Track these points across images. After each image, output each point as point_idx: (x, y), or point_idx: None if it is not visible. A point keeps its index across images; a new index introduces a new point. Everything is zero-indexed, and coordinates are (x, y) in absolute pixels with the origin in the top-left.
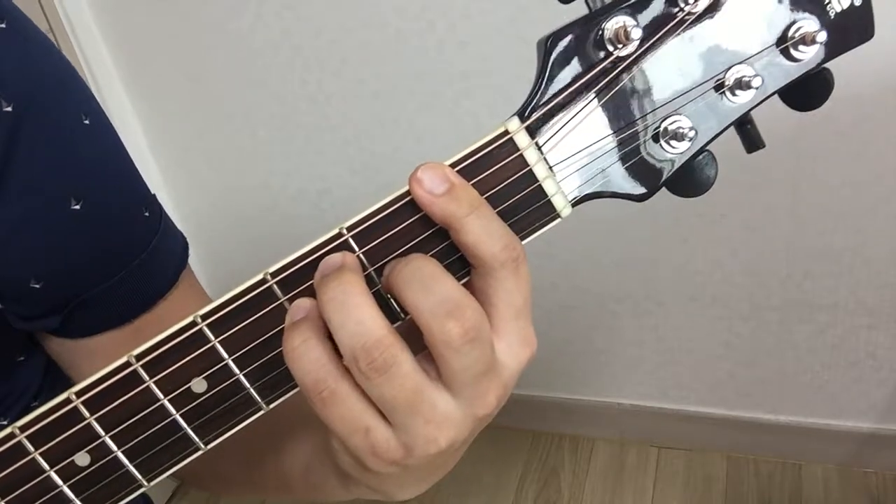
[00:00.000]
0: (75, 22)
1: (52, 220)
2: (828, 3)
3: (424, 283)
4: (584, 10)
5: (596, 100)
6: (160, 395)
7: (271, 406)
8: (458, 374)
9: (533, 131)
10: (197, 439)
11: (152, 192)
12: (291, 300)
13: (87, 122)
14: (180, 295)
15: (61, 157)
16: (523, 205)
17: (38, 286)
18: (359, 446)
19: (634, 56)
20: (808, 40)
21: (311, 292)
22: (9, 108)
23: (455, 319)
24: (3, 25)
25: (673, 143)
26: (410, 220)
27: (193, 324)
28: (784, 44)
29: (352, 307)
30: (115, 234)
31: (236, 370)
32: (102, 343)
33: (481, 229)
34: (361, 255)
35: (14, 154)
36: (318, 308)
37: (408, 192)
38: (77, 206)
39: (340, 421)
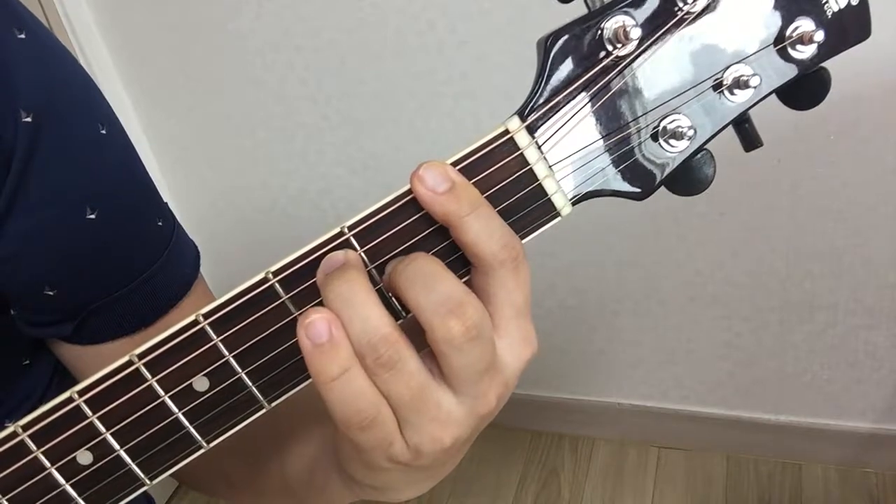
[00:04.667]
0: (75, 22)
1: (67, 228)
2: (825, 3)
3: (426, 281)
4: (584, 10)
5: (595, 99)
6: (162, 394)
7: (273, 405)
8: (460, 373)
9: (533, 130)
10: (199, 438)
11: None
12: (293, 299)
13: (103, 131)
14: (192, 303)
15: (78, 167)
16: (523, 203)
17: (51, 293)
18: (378, 457)
19: (634, 55)
20: (805, 40)
21: (313, 291)
22: (28, 119)
23: (457, 317)
24: (22, 36)
25: (672, 141)
26: (411, 219)
27: (195, 322)
28: (782, 43)
29: (357, 304)
30: (129, 243)
31: (238, 369)
32: (113, 350)
33: (482, 228)
34: (363, 254)
35: (33, 164)
36: (343, 327)
37: (409, 191)
38: (92, 216)
39: (374, 440)
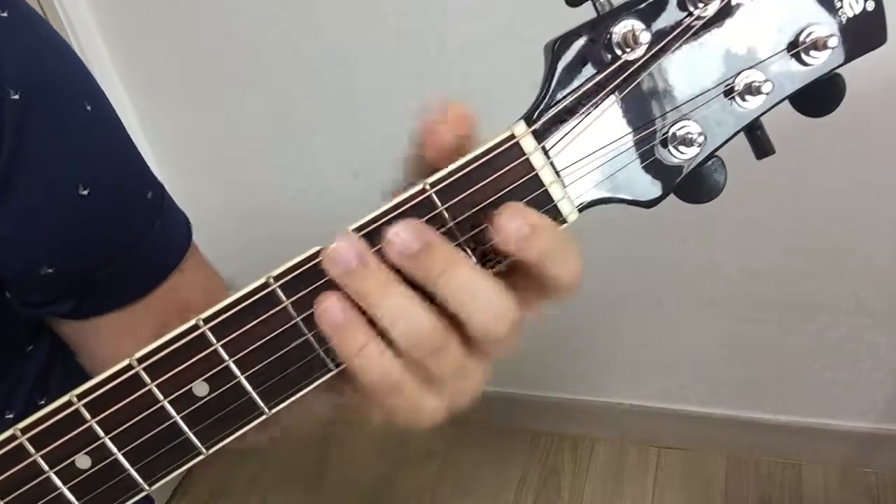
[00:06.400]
0: (75, 22)
1: (62, 205)
2: (840, 8)
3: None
4: (592, 14)
5: (603, 105)
6: (161, 398)
7: (273, 410)
8: (490, 346)
9: (539, 135)
10: (198, 443)
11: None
12: (294, 304)
13: (89, 108)
14: (187, 270)
15: (68, 145)
16: None
17: (50, 271)
18: (411, 420)
19: (643, 60)
20: (819, 45)
21: (314, 296)
22: (16, 97)
23: (504, 323)
24: (5, 14)
25: (682, 148)
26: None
27: (196, 327)
28: (795, 48)
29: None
30: (122, 216)
31: (238, 373)
32: (113, 321)
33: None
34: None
35: (23, 142)
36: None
37: (408, 198)
38: (85, 192)
39: (404, 404)
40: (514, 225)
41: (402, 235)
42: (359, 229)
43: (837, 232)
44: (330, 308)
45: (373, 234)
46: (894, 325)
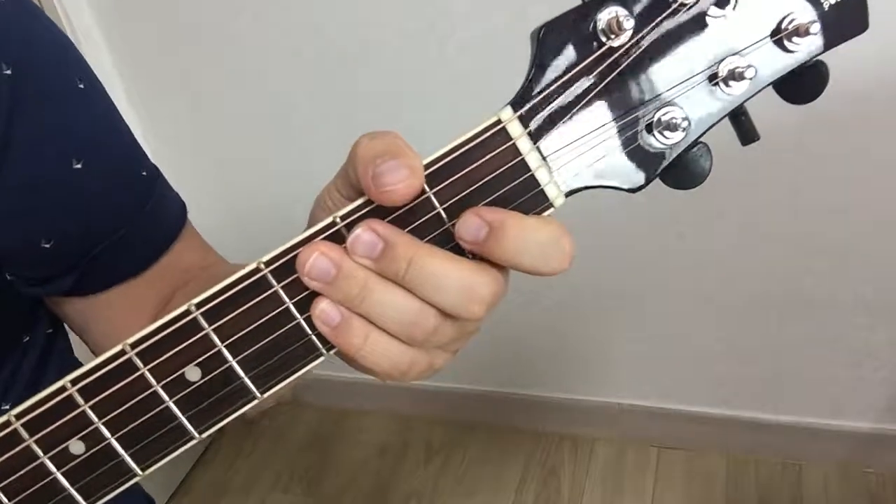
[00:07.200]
0: (76, 22)
1: (57, 179)
2: None
3: (436, 282)
4: (578, 1)
5: (589, 90)
6: (154, 383)
7: (265, 395)
8: None
9: (526, 121)
10: (190, 427)
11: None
12: (286, 288)
13: (81, 86)
14: (184, 245)
15: (60, 119)
16: (516, 194)
17: (48, 246)
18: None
19: (627, 47)
20: (801, 32)
21: None
22: (9, 72)
23: (477, 304)
24: None
25: (667, 133)
26: (402, 209)
27: (188, 312)
28: (778, 35)
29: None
30: (117, 190)
31: (230, 358)
32: (113, 298)
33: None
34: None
35: (16, 116)
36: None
37: None
38: (79, 166)
39: (416, 375)
40: (472, 225)
41: (362, 238)
42: (344, 218)
43: (837, 230)
44: (325, 309)
45: (351, 226)
46: (894, 325)
